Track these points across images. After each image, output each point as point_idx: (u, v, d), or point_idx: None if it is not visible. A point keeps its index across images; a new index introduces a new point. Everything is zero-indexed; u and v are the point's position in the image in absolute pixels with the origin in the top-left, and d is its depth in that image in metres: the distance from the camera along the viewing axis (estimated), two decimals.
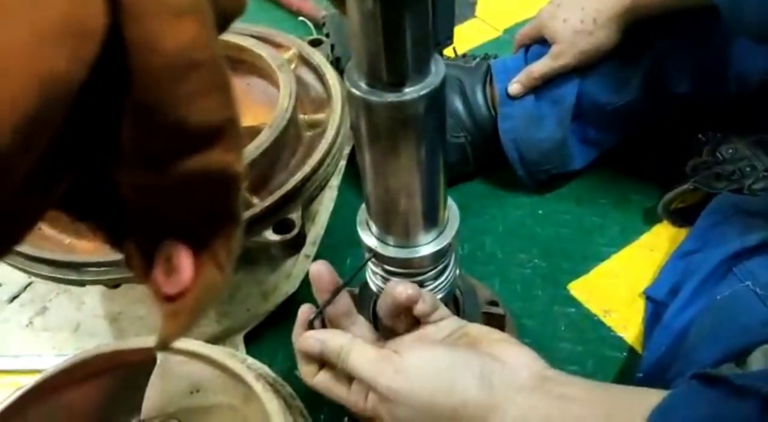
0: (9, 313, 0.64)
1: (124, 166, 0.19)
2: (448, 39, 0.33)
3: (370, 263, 0.45)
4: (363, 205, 0.42)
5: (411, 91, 0.31)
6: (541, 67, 0.64)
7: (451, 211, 0.42)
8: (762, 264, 0.51)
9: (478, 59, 0.71)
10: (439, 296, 0.45)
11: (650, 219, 0.66)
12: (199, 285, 0.20)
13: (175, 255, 0.20)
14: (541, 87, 0.65)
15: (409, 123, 0.32)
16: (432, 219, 0.40)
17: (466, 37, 0.96)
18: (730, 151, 0.61)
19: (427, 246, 0.41)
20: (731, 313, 0.48)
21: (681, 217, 0.64)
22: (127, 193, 0.20)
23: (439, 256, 0.42)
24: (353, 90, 0.32)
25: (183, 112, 0.17)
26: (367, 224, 0.42)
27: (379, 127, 0.33)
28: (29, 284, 0.66)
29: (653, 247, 0.63)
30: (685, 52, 0.60)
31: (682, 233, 0.62)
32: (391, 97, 0.31)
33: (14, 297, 0.65)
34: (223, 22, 0.20)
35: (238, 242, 0.22)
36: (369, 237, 0.42)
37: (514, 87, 0.65)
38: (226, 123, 0.19)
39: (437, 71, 0.32)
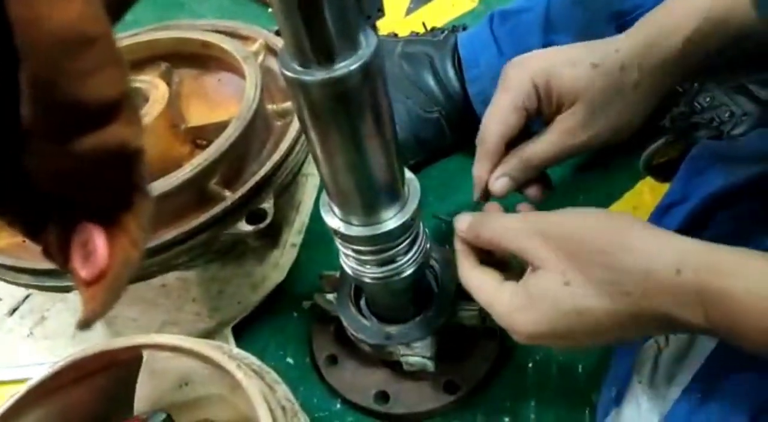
0: (11, 325, 0.66)
1: (29, 149, 0.19)
2: (379, 11, 0.33)
3: (340, 246, 0.45)
4: None
5: (342, 67, 0.31)
6: (543, 148, 0.43)
7: (412, 184, 0.42)
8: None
9: (446, 32, 0.70)
10: (412, 269, 0.45)
11: (634, 177, 0.65)
12: (116, 263, 0.21)
13: (90, 239, 0.21)
14: (504, 41, 0.62)
15: (345, 98, 0.32)
16: (390, 193, 0.40)
17: (442, 10, 0.95)
18: (708, 99, 0.60)
19: (390, 221, 0.41)
20: None
21: (664, 172, 0.63)
22: (36, 177, 0.20)
23: (404, 230, 0.42)
24: (286, 72, 0.32)
25: (78, 88, 0.18)
26: (330, 206, 0.42)
27: (317, 106, 0.33)
28: (27, 296, 0.68)
29: (637, 205, 0.62)
30: None
31: (665, 188, 0.61)
32: (322, 74, 0.31)
33: (14, 310, 0.67)
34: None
35: (149, 216, 0.22)
36: (332, 219, 0.42)
37: (501, 182, 0.45)
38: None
39: (368, 44, 0.32)
